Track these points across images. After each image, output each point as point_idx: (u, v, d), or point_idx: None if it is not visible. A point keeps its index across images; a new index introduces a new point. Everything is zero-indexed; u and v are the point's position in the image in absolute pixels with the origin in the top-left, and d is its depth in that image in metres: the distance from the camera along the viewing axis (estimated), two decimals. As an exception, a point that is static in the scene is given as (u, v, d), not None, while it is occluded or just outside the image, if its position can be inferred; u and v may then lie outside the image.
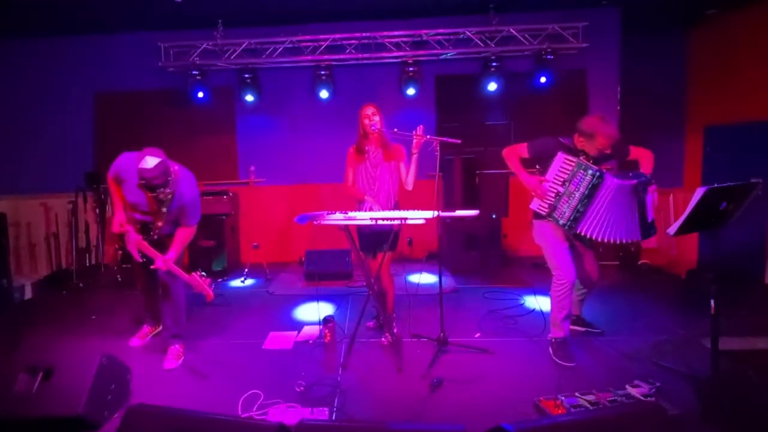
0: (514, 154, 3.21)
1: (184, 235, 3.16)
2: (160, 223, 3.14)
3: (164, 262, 3.01)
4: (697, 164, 6.13)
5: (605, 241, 2.95)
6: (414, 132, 3.25)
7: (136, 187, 2.98)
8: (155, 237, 3.16)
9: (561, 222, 3.02)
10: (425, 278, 5.13)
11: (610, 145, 2.97)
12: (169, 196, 2.99)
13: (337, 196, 6.13)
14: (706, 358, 2.69)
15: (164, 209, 3.05)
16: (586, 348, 3.32)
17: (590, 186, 2.89)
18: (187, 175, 3.13)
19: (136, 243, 3.08)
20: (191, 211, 3.14)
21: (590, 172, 2.89)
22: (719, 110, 5.85)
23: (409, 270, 5.51)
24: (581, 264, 3.28)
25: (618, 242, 2.97)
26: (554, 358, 3.17)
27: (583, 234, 2.98)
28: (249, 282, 5.47)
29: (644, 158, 3.18)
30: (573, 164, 2.95)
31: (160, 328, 3.76)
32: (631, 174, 2.99)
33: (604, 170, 2.91)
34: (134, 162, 2.88)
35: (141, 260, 3.14)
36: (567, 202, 2.98)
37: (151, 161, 2.80)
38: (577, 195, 2.93)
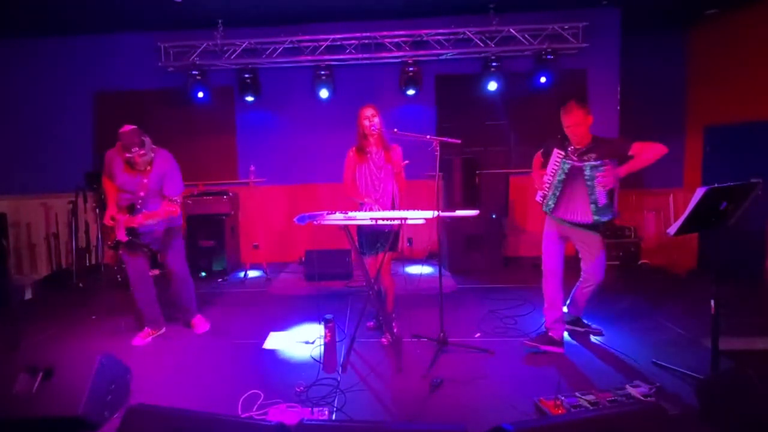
0: (535, 159, 3.49)
1: (167, 207, 3.36)
2: (142, 193, 3.40)
3: (143, 215, 3.33)
4: (697, 164, 6.14)
5: (571, 221, 3.20)
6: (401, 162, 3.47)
7: (121, 166, 3.38)
8: (139, 207, 3.41)
9: (545, 209, 3.33)
10: (425, 278, 5.14)
11: (575, 133, 3.14)
12: (146, 159, 3.34)
13: (337, 196, 6.14)
14: (706, 358, 2.69)
15: (145, 180, 3.38)
16: (586, 348, 3.32)
17: (560, 171, 3.19)
18: (164, 150, 3.53)
19: (123, 222, 3.36)
20: (171, 178, 3.46)
21: (562, 158, 3.18)
22: (719, 110, 5.85)
23: (409, 270, 5.51)
24: (589, 262, 3.33)
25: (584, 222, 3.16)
26: (541, 348, 3.26)
27: (561, 218, 3.26)
28: (249, 282, 5.47)
29: (641, 152, 3.09)
30: (561, 156, 3.20)
31: (163, 330, 3.79)
32: (597, 161, 3.11)
33: (575, 157, 3.14)
34: (117, 149, 3.37)
35: (126, 239, 3.38)
36: (552, 191, 3.26)
37: (126, 126, 3.32)
38: (555, 182, 3.23)
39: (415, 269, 5.19)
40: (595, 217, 3.10)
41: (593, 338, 3.49)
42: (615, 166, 3.06)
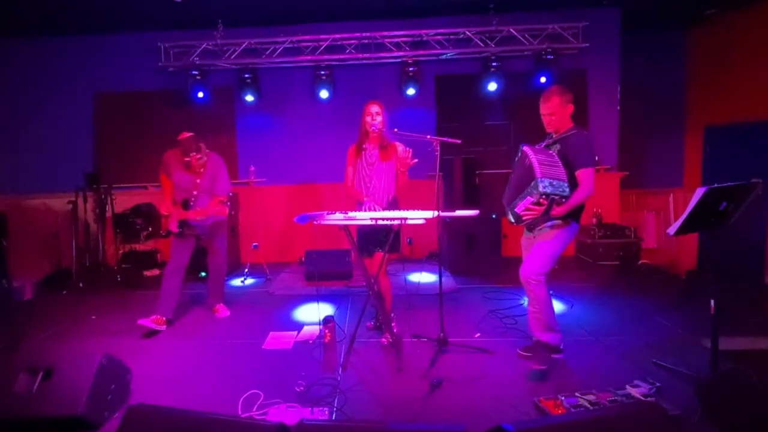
0: None
1: (216, 207, 3.79)
2: (195, 192, 3.84)
3: (194, 212, 3.76)
4: (697, 164, 6.14)
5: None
6: (406, 154, 3.29)
7: (179, 167, 3.84)
8: (192, 204, 3.83)
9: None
10: (425, 278, 5.14)
11: (548, 122, 3.02)
12: (202, 162, 3.82)
13: (337, 196, 6.15)
14: (706, 358, 2.69)
15: (199, 180, 3.85)
16: (586, 348, 3.32)
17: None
18: (215, 154, 4.00)
19: (177, 216, 3.80)
20: (221, 179, 3.92)
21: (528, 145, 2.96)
22: (719, 110, 5.85)
23: (409, 270, 5.50)
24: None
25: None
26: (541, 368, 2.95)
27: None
28: (249, 282, 5.47)
29: (580, 184, 2.84)
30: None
31: (163, 328, 3.82)
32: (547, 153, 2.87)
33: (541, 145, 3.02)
34: (176, 152, 3.86)
35: (177, 230, 3.81)
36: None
37: (185, 133, 3.80)
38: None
39: (414, 276, 5.18)
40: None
41: (593, 338, 3.49)
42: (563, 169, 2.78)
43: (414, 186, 3.48)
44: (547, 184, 2.66)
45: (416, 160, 3.29)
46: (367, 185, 3.46)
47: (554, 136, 3.03)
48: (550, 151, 2.88)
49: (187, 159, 3.77)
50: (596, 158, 2.91)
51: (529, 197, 2.75)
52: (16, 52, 6.20)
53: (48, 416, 2.31)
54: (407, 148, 3.34)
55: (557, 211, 2.76)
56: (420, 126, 6.02)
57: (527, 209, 2.78)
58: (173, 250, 3.96)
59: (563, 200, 2.71)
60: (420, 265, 5.80)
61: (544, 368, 2.88)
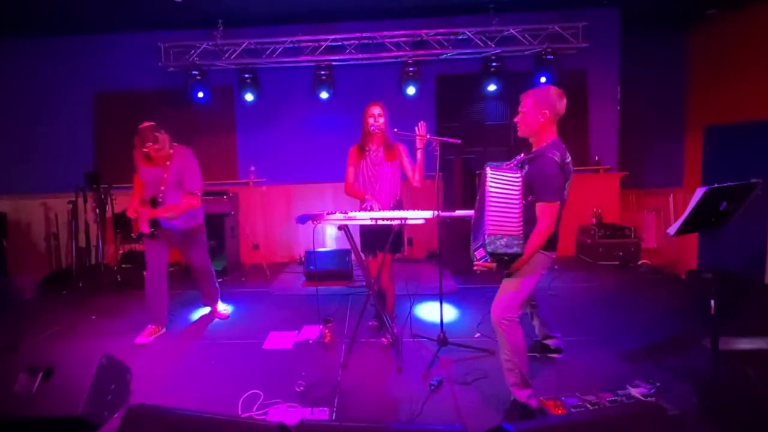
0: None
1: (187, 200, 3.56)
2: (162, 188, 3.57)
3: (161, 209, 3.51)
4: (697, 164, 6.13)
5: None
6: (416, 129, 3.24)
7: (143, 161, 3.59)
8: (160, 201, 3.57)
9: None
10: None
11: (518, 122, 2.64)
12: (163, 154, 3.53)
13: (338, 196, 6.15)
14: (706, 358, 2.69)
15: (165, 175, 3.56)
16: (586, 348, 3.32)
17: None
18: (184, 147, 3.71)
19: (144, 215, 3.55)
20: (190, 173, 3.62)
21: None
22: (719, 110, 5.85)
23: (409, 270, 5.50)
24: None
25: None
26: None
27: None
28: (249, 282, 5.47)
29: (539, 220, 2.37)
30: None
31: (163, 330, 3.80)
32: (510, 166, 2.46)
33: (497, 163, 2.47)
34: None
35: (149, 230, 3.56)
36: None
37: (145, 123, 3.54)
38: None
39: (414, 272, 5.16)
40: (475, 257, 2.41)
41: (592, 339, 3.49)
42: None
43: (414, 186, 3.47)
44: (496, 243, 2.24)
45: (429, 136, 3.20)
46: (373, 185, 3.46)
47: (532, 150, 2.57)
48: (516, 176, 2.34)
49: (144, 150, 3.47)
50: (564, 191, 2.43)
51: (480, 249, 2.31)
52: (16, 52, 6.20)
53: (48, 416, 2.30)
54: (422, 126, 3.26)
55: (516, 265, 2.35)
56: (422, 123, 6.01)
57: (479, 265, 2.33)
58: (148, 255, 3.73)
59: (516, 258, 2.30)
60: (420, 265, 5.80)
61: None
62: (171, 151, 3.60)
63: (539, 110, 2.53)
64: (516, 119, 2.63)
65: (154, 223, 3.57)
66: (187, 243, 3.82)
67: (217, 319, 4.16)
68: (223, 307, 4.28)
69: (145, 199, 3.62)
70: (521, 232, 2.28)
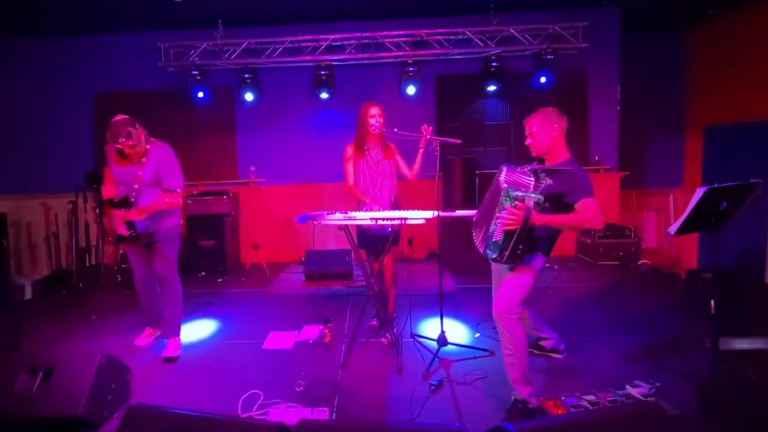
0: None
1: (169, 198, 3.15)
2: (136, 186, 3.23)
3: (136, 210, 3.19)
4: (697, 164, 6.13)
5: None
6: (423, 128, 3.33)
7: (115, 157, 3.27)
8: (132, 201, 3.24)
9: None
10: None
11: (529, 144, 2.68)
12: (138, 150, 3.19)
13: (338, 196, 6.15)
14: (706, 358, 2.69)
15: (140, 172, 3.23)
16: (586, 348, 3.32)
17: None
18: (163, 143, 3.36)
19: (119, 217, 3.22)
20: (170, 171, 3.27)
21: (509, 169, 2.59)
22: (719, 110, 5.86)
23: (409, 270, 5.50)
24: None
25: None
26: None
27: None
28: (249, 282, 5.47)
29: (582, 210, 2.42)
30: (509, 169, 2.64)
31: (160, 332, 3.72)
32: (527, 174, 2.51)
33: (508, 167, 2.57)
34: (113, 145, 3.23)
35: (128, 233, 3.22)
36: None
37: (118, 116, 3.16)
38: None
39: (414, 272, 5.15)
40: (487, 250, 2.52)
41: (592, 339, 3.49)
42: (546, 209, 2.41)
43: (414, 186, 3.49)
44: (518, 191, 2.34)
45: (430, 136, 3.30)
46: (374, 183, 3.48)
47: (546, 165, 2.64)
48: (530, 179, 2.47)
49: (117, 146, 3.13)
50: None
51: (504, 213, 2.35)
52: (16, 52, 6.20)
53: (48, 416, 2.31)
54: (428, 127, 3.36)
55: (536, 217, 2.31)
56: (420, 126, 6.00)
57: (507, 223, 2.34)
58: (130, 260, 3.52)
59: (540, 203, 2.31)
60: (420, 265, 5.80)
61: None
62: (147, 146, 3.26)
63: (548, 126, 2.59)
64: (527, 143, 2.70)
65: (130, 224, 3.22)
66: (161, 243, 3.38)
67: (162, 356, 3.36)
68: (175, 347, 3.44)
69: (115, 199, 3.30)
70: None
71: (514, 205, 2.30)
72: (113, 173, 3.31)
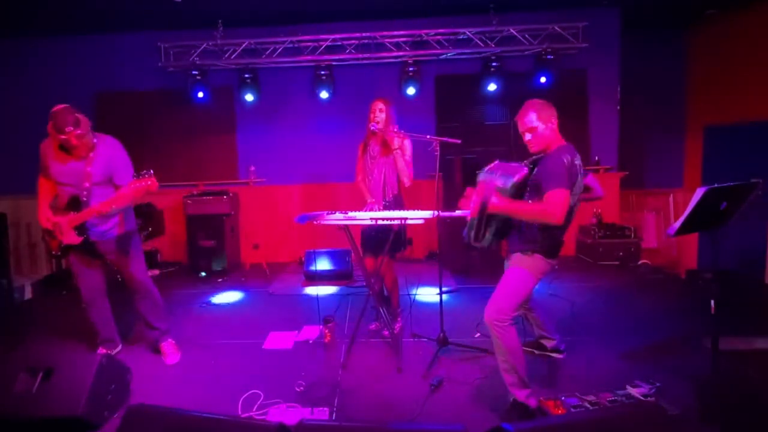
0: None
1: (136, 184, 2.75)
2: (87, 184, 2.89)
3: (99, 205, 2.80)
4: (697, 164, 6.14)
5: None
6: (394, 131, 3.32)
7: (57, 155, 2.92)
8: (85, 200, 2.90)
9: None
10: (423, 291, 5.14)
11: (528, 144, 2.61)
12: (86, 142, 2.89)
13: (338, 196, 6.16)
14: (706, 358, 2.69)
15: (89, 168, 2.90)
16: (586, 348, 3.32)
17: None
18: (109, 136, 3.09)
19: (67, 222, 2.87)
20: (123, 165, 3.00)
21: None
22: (719, 110, 5.86)
23: (409, 270, 5.50)
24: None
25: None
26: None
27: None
28: (249, 282, 5.47)
29: (547, 201, 2.38)
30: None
31: (119, 348, 3.45)
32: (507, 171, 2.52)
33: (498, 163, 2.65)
34: (49, 137, 2.92)
35: (80, 239, 2.89)
36: None
37: (58, 106, 2.84)
38: None
39: (414, 272, 5.16)
40: (464, 234, 2.68)
41: (592, 339, 3.49)
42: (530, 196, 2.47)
43: (414, 186, 3.49)
44: (484, 175, 2.51)
45: (429, 136, 3.23)
46: (370, 178, 3.53)
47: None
48: (522, 166, 2.52)
49: (63, 137, 2.76)
50: (572, 186, 2.43)
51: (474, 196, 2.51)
52: (17, 52, 6.20)
53: (48, 416, 2.31)
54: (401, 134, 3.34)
55: (494, 202, 2.36)
56: (420, 126, 6.01)
57: (472, 206, 2.46)
58: (78, 272, 3.11)
59: (504, 189, 2.39)
60: (420, 265, 5.80)
61: None
62: (94, 140, 2.95)
63: (546, 120, 2.53)
64: (526, 141, 2.60)
65: (81, 230, 2.88)
66: (123, 253, 3.09)
67: (166, 363, 3.27)
68: (173, 348, 3.35)
69: (59, 204, 2.94)
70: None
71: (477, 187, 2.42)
72: (54, 173, 2.92)
